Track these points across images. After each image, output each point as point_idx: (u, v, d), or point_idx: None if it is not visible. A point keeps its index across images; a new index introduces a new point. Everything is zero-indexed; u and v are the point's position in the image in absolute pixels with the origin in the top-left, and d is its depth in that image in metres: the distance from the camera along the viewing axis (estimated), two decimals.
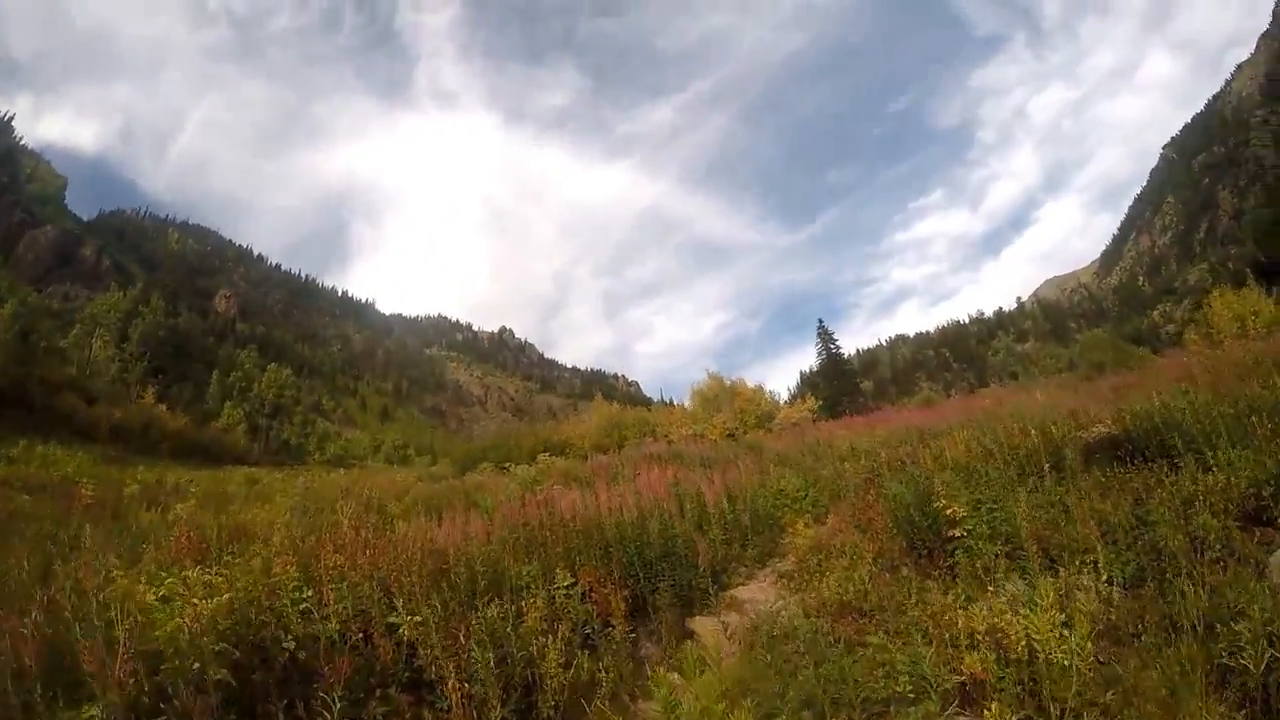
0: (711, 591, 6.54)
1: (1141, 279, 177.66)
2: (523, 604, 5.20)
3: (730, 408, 29.24)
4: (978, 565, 5.28)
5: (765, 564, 8.23)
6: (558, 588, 5.62)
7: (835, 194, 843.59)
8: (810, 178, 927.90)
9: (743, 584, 7.30)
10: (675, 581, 6.37)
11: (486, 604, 5.01)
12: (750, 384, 31.08)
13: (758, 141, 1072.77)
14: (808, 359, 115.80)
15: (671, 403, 38.19)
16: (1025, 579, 4.92)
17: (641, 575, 6.33)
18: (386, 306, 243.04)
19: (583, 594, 5.63)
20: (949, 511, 5.58)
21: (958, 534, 5.54)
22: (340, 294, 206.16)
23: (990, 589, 4.82)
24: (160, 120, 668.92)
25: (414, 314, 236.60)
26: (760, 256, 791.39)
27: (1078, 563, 4.82)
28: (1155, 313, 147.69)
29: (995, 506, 5.67)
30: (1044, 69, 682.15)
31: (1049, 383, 30.15)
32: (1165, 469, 6.16)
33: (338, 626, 5.00)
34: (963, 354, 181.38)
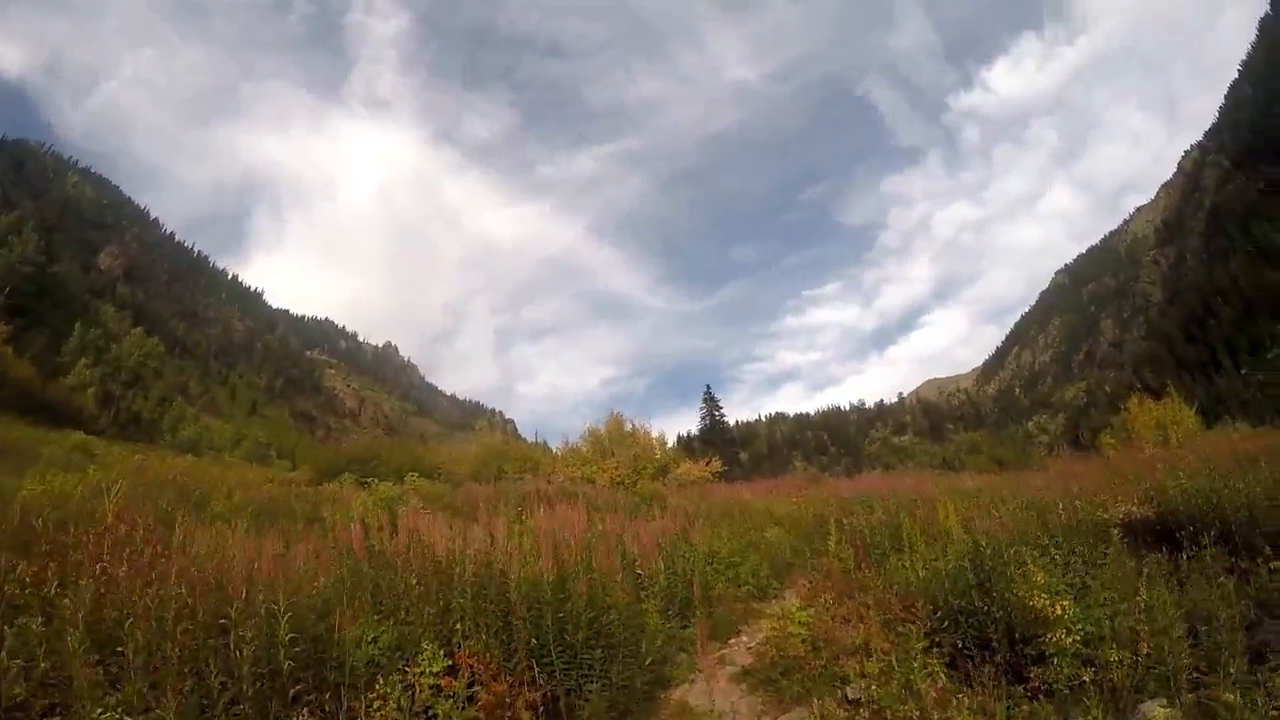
0: (654, 692, 4.36)
1: (1019, 391, 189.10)
2: (368, 702, 2.88)
3: (626, 454, 27.13)
4: (1087, 680, 3.63)
5: (706, 650, 6.14)
6: (422, 672, 3.34)
7: (738, 271, 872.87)
8: (717, 251, 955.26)
9: (689, 681, 5.15)
10: (608, 677, 4.13)
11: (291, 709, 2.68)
12: (655, 432, 28.92)
13: (672, 208, 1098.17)
14: (686, 424, 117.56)
15: (546, 445, 35.25)
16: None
17: (558, 664, 4.05)
18: (275, 300, 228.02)
19: (469, 690, 3.34)
20: (1057, 610, 3.72)
21: (1063, 639, 3.68)
22: (230, 277, 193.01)
23: None
24: (90, 62, 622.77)
25: (301, 313, 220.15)
26: (656, 319, 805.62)
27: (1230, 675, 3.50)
28: (1030, 423, 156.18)
29: (1114, 600, 3.92)
30: (954, 186, 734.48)
31: (960, 471, 29.68)
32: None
33: None
34: (841, 439, 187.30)
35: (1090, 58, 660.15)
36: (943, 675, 3.87)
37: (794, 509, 15.53)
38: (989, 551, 4.37)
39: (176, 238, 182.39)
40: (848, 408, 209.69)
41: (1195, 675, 3.64)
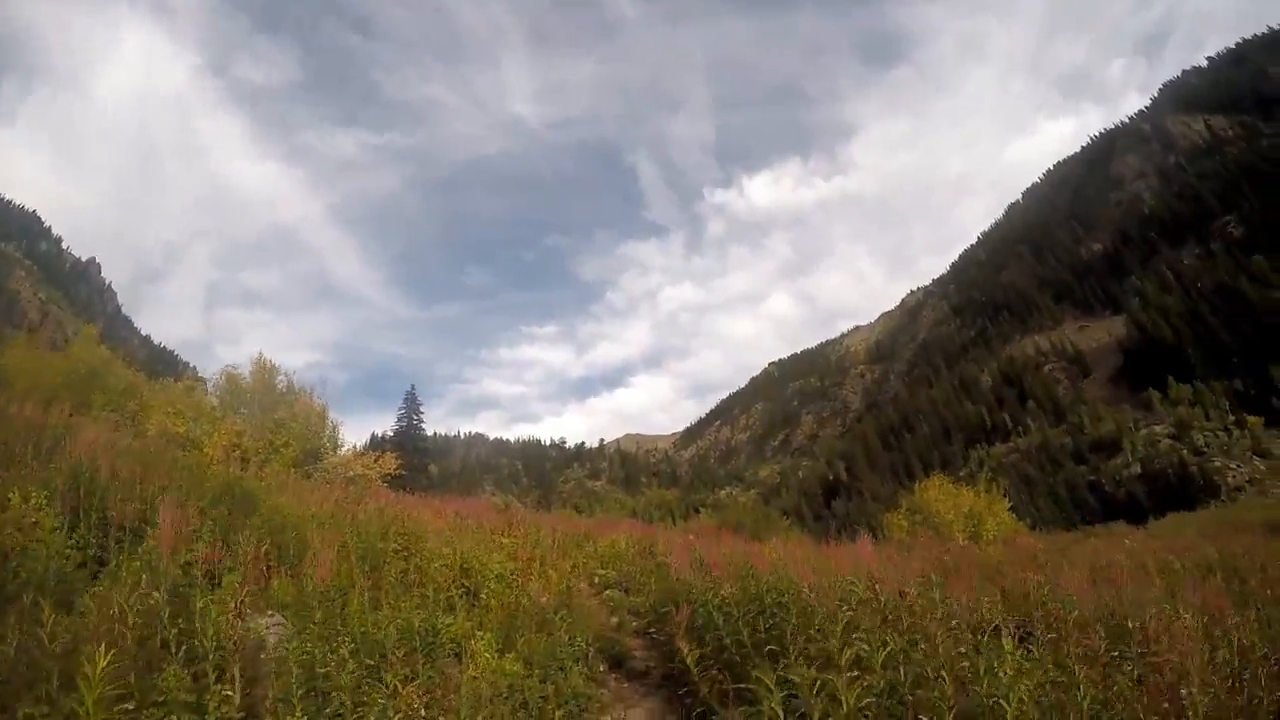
0: None
1: (715, 461, 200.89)
2: None
3: (267, 416, 17.50)
4: None
5: None
6: None
7: (466, 292, 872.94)
8: (450, 268, 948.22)
9: None
10: None
11: None
12: (319, 404, 19.16)
13: (421, 214, 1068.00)
14: (381, 427, 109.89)
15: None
16: None
17: None
18: None
19: None
20: None
21: None
22: None
23: None
24: None
25: (7, 196, 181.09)
26: (374, 317, 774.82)
27: None
28: (723, 492, 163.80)
29: None
30: (686, 268, 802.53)
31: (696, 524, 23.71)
32: None
33: None
34: (535, 473, 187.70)
35: (840, 196, 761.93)
36: None
37: (526, 566, 7.65)
38: None
39: None
40: (548, 443, 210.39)
41: None
